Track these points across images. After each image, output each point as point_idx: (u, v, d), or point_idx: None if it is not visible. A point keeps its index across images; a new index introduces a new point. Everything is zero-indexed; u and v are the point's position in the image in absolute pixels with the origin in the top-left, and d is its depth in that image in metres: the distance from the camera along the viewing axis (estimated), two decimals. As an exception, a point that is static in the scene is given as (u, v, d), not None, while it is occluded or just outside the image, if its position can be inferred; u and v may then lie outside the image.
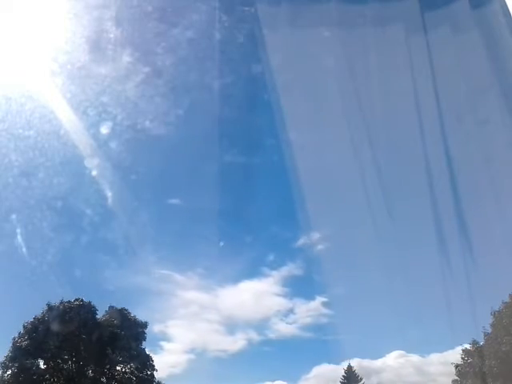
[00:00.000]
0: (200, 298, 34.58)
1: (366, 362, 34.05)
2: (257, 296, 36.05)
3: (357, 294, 27.48)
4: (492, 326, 25.74)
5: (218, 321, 34.75)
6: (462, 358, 27.15)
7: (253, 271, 38.43)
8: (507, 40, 8.14)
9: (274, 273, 35.01)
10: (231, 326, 36.38)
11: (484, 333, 26.10)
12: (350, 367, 33.54)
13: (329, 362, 34.08)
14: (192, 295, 34.22)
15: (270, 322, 35.16)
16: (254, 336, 34.42)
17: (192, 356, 33.81)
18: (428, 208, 16.61)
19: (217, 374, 33.40)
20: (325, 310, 34.12)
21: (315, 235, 31.48)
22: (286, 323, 34.91)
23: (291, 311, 35.24)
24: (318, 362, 33.81)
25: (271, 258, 36.13)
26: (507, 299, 25.66)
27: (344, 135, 15.18)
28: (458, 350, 28.24)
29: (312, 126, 17.14)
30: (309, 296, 35.33)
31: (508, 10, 5.87)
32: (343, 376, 33.64)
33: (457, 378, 27.45)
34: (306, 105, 15.98)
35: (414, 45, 10.67)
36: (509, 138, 11.32)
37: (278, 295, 35.56)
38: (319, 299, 34.25)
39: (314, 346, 34.63)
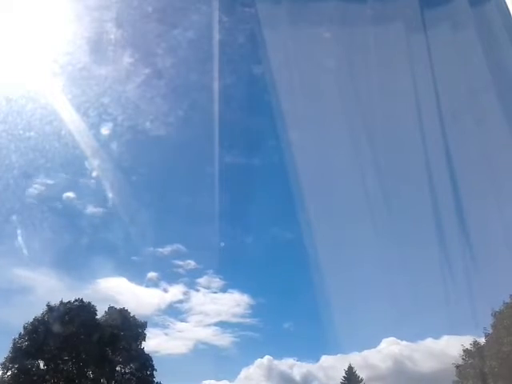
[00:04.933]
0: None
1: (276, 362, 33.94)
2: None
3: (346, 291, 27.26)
4: (493, 326, 25.67)
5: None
6: (463, 359, 27.09)
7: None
8: (505, 38, 8.19)
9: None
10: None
11: (485, 333, 26.08)
12: (350, 368, 33.44)
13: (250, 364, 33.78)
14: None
15: (167, 321, 34.18)
16: (163, 337, 33.23)
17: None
18: (428, 208, 16.66)
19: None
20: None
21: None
22: (181, 320, 34.28)
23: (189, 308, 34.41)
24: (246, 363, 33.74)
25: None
26: (508, 299, 25.62)
27: (344, 135, 15.23)
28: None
29: (312, 126, 17.19)
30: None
31: (507, 9, 5.91)
32: (344, 377, 33.51)
33: (457, 378, 27.39)
34: (306, 105, 16.03)
35: (413, 43, 10.72)
36: (508, 136, 11.36)
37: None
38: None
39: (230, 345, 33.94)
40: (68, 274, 33.81)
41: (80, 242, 31.81)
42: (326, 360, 33.59)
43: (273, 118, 19.34)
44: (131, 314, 28.96)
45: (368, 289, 26.75)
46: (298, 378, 33.39)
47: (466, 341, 27.43)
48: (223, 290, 34.57)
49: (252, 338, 34.85)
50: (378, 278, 25.15)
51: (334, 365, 33.99)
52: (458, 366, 27.32)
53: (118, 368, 28.44)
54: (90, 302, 28.21)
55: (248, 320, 33.97)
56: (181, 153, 29.10)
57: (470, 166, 14.66)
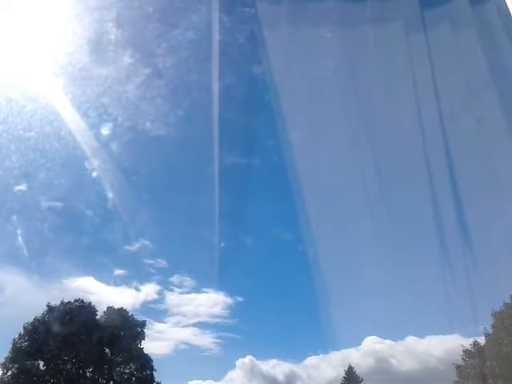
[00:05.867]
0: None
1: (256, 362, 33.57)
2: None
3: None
4: (493, 326, 25.67)
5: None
6: (463, 359, 27.07)
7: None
8: (505, 38, 8.19)
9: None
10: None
11: (485, 334, 26.07)
12: (350, 368, 33.41)
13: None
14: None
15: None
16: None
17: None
18: (428, 208, 16.66)
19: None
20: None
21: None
22: (159, 321, 33.35)
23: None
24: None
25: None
26: (508, 300, 25.62)
27: (344, 135, 15.25)
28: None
29: (312, 126, 17.19)
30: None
31: (507, 9, 5.91)
32: (344, 377, 33.49)
33: (458, 379, 27.37)
34: (306, 105, 16.03)
35: (413, 43, 10.72)
36: (508, 136, 11.36)
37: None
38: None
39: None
40: (37, 273, 33.02)
41: (47, 241, 30.63)
42: (309, 360, 33.62)
43: (273, 118, 19.32)
44: (130, 314, 29.02)
45: (366, 289, 26.74)
46: (280, 377, 33.42)
47: (451, 340, 27.75)
48: (197, 289, 34.31)
49: (234, 339, 34.59)
50: (375, 278, 25.15)
51: (317, 364, 33.89)
52: (458, 367, 27.32)
53: (117, 368, 28.44)
54: (90, 303, 28.26)
55: (228, 320, 33.73)
56: (181, 153, 29.13)
57: (470, 165, 14.66)
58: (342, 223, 21.86)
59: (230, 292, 33.29)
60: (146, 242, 32.16)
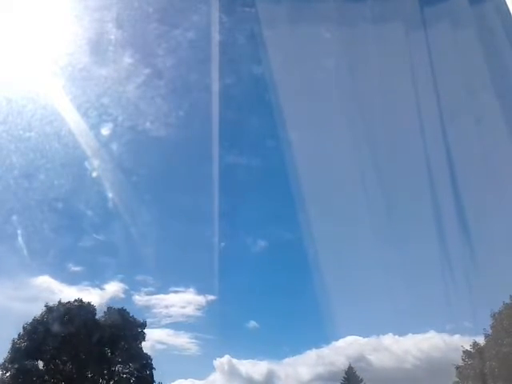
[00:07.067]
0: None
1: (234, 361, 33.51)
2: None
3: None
4: (492, 327, 25.68)
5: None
6: (463, 360, 27.06)
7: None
8: (504, 36, 8.21)
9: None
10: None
11: (484, 334, 26.08)
12: (350, 368, 33.35)
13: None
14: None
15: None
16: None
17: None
18: (428, 208, 16.68)
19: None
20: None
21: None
22: None
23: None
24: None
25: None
26: (508, 300, 25.62)
27: (344, 134, 15.27)
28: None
29: (312, 126, 17.22)
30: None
31: (506, 8, 5.92)
32: (344, 377, 33.44)
33: (457, 379, 27.36)
34: (306, 105, 16.06)
35: (413, 41, 10.77)
36: (507, 135, 11.38)
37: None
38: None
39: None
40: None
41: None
42: (288, 359, 33.73)
43: (273, 118, 19.35)
44: (130, 314, 28.99)
45: (364, 290, 26.78)
46: (258, 377, 33.35)
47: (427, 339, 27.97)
48: (164, 289, 34.32)
49: (210, 339, 34.43)
50: (374, 278, 25.17)
51: (295, 363, 33.84)
52: (457, 367, 27.32)
53: (117, 368, 28.41)
54: (89, 302, 28.19)
55: (203, 320, 33.57)
56: (181, 153, 29.16)
57: (470, 165, 14.70)
58: (341, 223, 21.89)
59: (203, 291, 33.06)
60: (101, 239, 31.17)
